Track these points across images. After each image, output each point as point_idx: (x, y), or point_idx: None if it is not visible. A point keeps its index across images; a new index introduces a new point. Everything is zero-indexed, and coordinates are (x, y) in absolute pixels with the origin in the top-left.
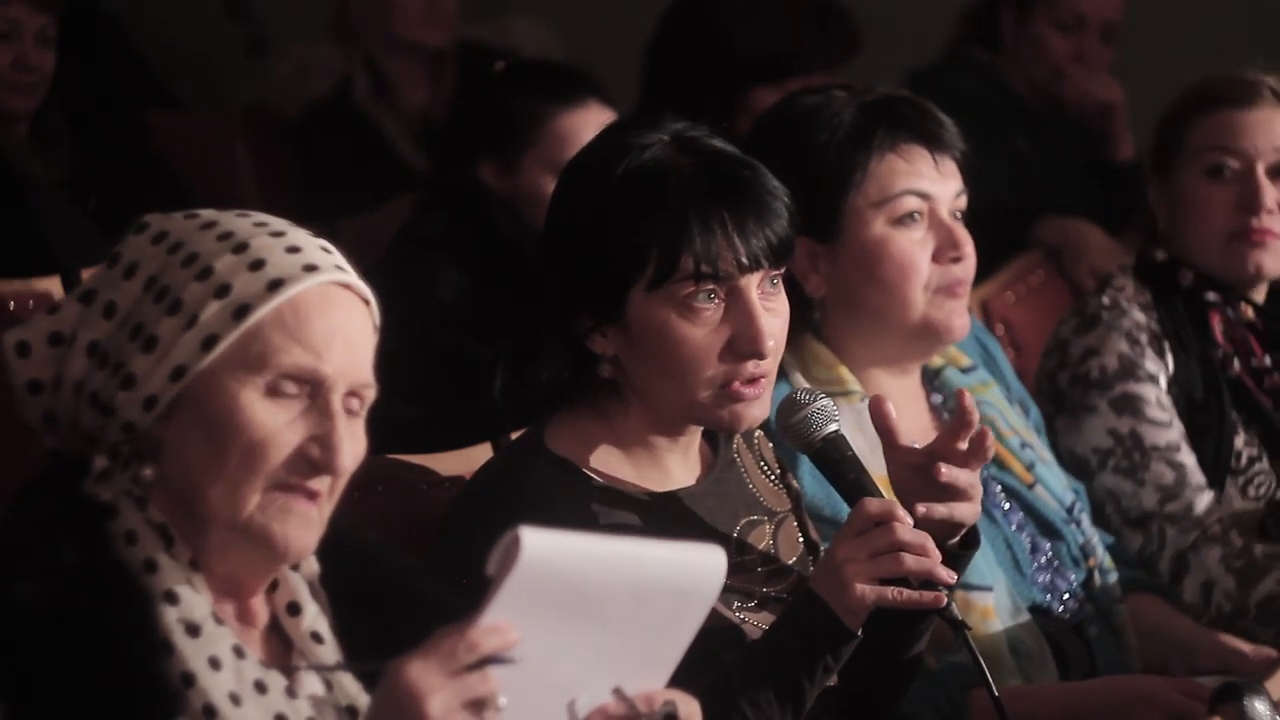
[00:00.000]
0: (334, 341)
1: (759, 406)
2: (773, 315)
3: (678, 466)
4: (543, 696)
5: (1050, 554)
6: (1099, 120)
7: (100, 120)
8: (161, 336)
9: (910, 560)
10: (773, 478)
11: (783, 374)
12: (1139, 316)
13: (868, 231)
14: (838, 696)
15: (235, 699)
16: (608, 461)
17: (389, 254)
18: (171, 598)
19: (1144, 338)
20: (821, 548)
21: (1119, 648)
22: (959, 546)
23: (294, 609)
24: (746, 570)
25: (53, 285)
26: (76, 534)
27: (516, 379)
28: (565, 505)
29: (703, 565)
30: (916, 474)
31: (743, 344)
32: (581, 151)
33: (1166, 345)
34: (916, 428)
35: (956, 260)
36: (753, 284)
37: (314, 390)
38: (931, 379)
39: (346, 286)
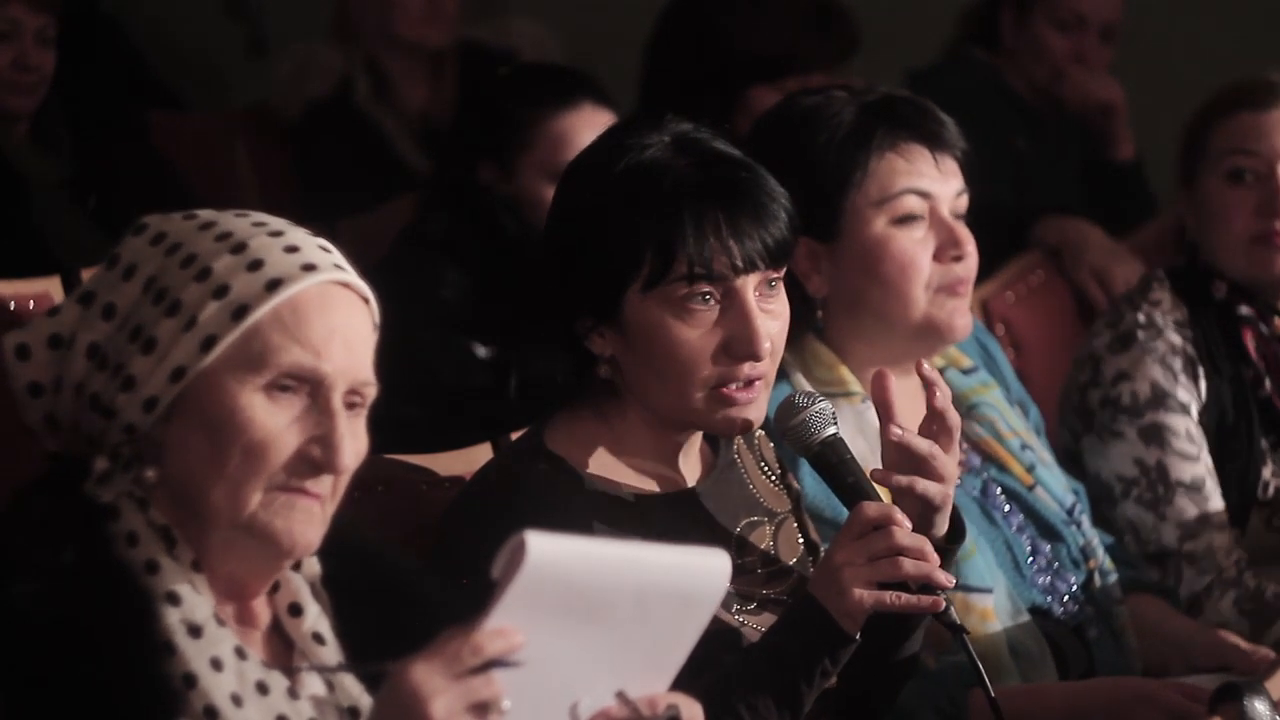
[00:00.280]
0: (333, 340)
1: (754, 410)
2: (770, 318)
3: (678, 468)
4: (546, 699)
5: (1050, 556)
6: (1099, 120)
7: (100, 120)
8: (161, 338)
9: (909, 565)
10: (773, 478)
11: (784, 374)
12: (1174, 338)
13: (869, 231)
14: (835, 697)
15: (237, 700)
16: (607, 463)
17: (390, 254)
18: (173, 599)
19: (1178, 363)
20: (822, 548)
21: (1119, 649)
22: (944, 541)
23: (295, 610)
24: (746, 572)
25: (53, 285)
26: (77, 535)
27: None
28: (564, 506)
29: (706, 569)
30: (901, 453)
31: (738, 346)
32: (583, 152)
33: (1201, 370)
34: (916, 424)
35: (958, 259)
36: (749, 286)
37: (314, 389)
38: None
39: (345, 285)
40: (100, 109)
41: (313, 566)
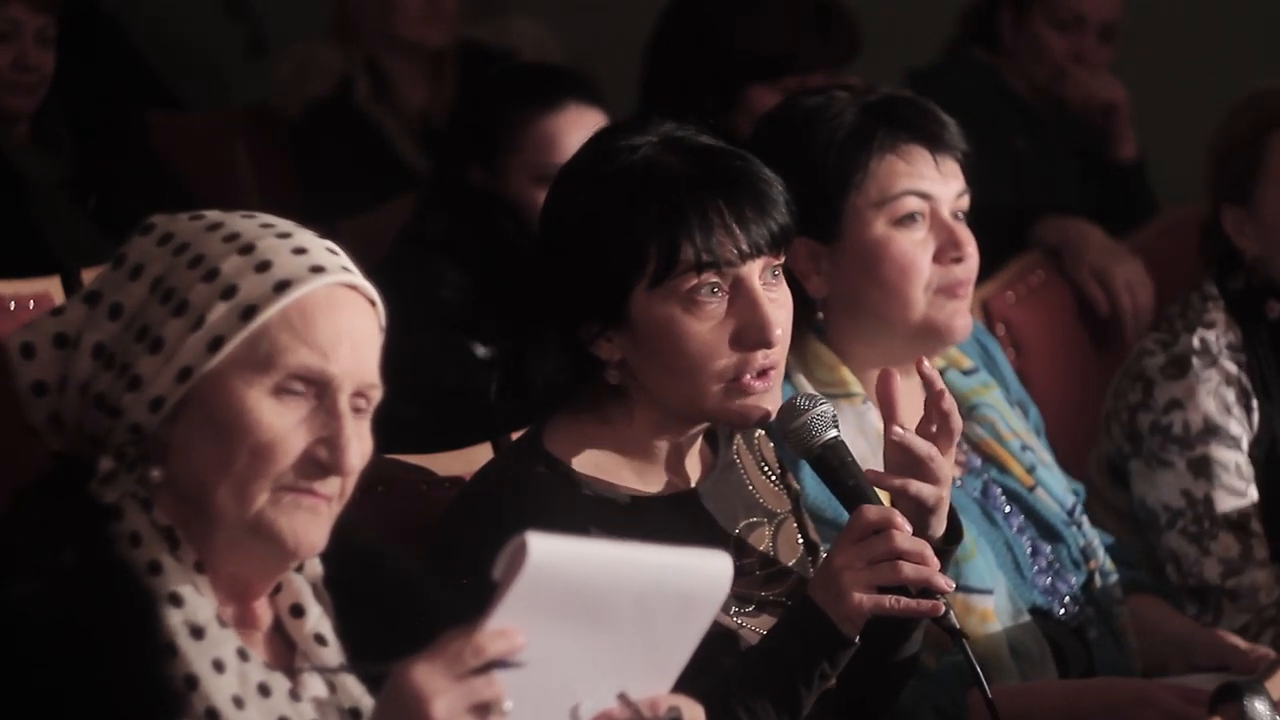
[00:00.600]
0: (341, 342)
1: (770, 399)
2: (777, 306)
3: (678, 469)
4: (547, 700)
5: (1051, 556)
6: (1101, 120)
7: (100, 120)
8: (168, 338)
9: (908, 568)
10: (773, 478)
11: (785, 375)
12: (1229, 366)
13: (869, 232)
14: (834, 699)
15: (239, 702)
16: (607, 464)
17: (390, 254)
18: (176, 600)
19: (1232, 395)
20: (822, 549)
21: (1119, 650)
22: (942, 543)
23: (297, 611)
24: (745, 574)
25: (53, 285)
26: (80, 536)
27: (512, 381)
28: (563, 508)
29: (708, 570)
30: (901, 453)
31: (750, 334)
32: (571, 159)
33: (1254, 401)
34: (916, 425)
35: (958, 260)
36: (754, 273)
37: (321, 391)
38: None
39: (353, 287)
40: (100, 109)
41: (315, 567)
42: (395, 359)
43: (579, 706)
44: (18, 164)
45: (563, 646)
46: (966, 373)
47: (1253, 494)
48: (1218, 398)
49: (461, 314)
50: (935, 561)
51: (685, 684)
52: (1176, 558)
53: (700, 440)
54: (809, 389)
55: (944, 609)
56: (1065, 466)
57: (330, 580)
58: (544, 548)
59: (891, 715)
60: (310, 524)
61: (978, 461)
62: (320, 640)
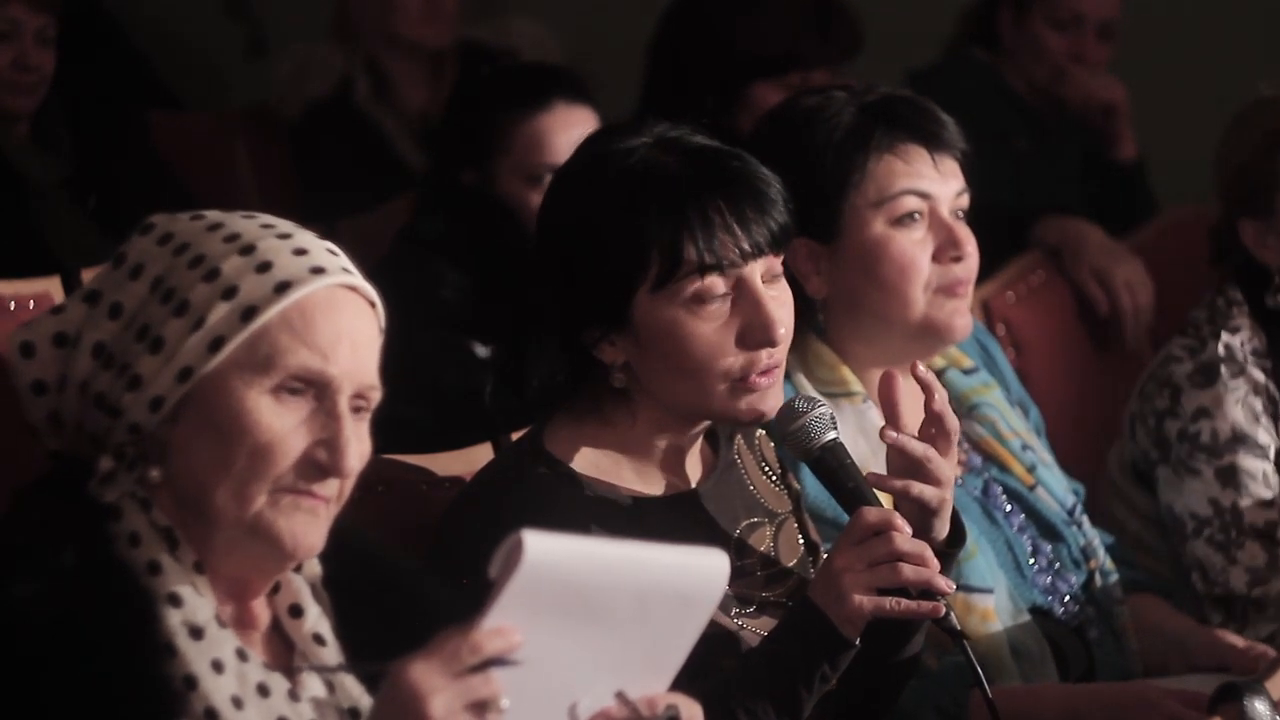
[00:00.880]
0: (341, 343)
1: (773, 396)
2: (779, 304)
3: (679, 470)
4: (545, 699)
5: (1051, 556)
6: (1101, 120)
7: (100, 120)
8: (168, 338)
9: (908, 570)
10: (774, 478)
11: (786, 375)
12: (1257, 375)
13: (867, 232)
14: (835, 700)
15: (237, 702)
16: (607, 465)
17: (390, 254)
18: (175, 600)
19: (1259, 404)
20: (822, 549)
21: (1119, 650)
22: (944, 545)
23: (296, 611)
24: (746, 574)
25: (53, 285)
26: (79, 536)
27: (510, 383)
28: (562, 508)
29: (706, 569)
30: (900, 455)
31: (755, 333)
32: (567, 162)
33: None
34: (918, 427)
35: (957, 260)
36: (757, 273)
37: (320, 392)
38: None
39: (353, 289)
40: (100, 109)
41: (313, 567)
42: (395, 359)
43: (576, 705)
44: (18, 164)
45: (560, 645)
46: (967, 372)
47: None
48: (1246, 407)
49: (461, 314)
50: (935, 563)
51: (684, 685)
52: (1203, 566)
53: (701, 441)
54: (809, 389)
55: (944, 610)
56: (1065, 466)
57: (329, 580)
58: (540, 545)
59: (893, 716)
60: (309, 525)
61: (978, 460)
62: (319, 640)
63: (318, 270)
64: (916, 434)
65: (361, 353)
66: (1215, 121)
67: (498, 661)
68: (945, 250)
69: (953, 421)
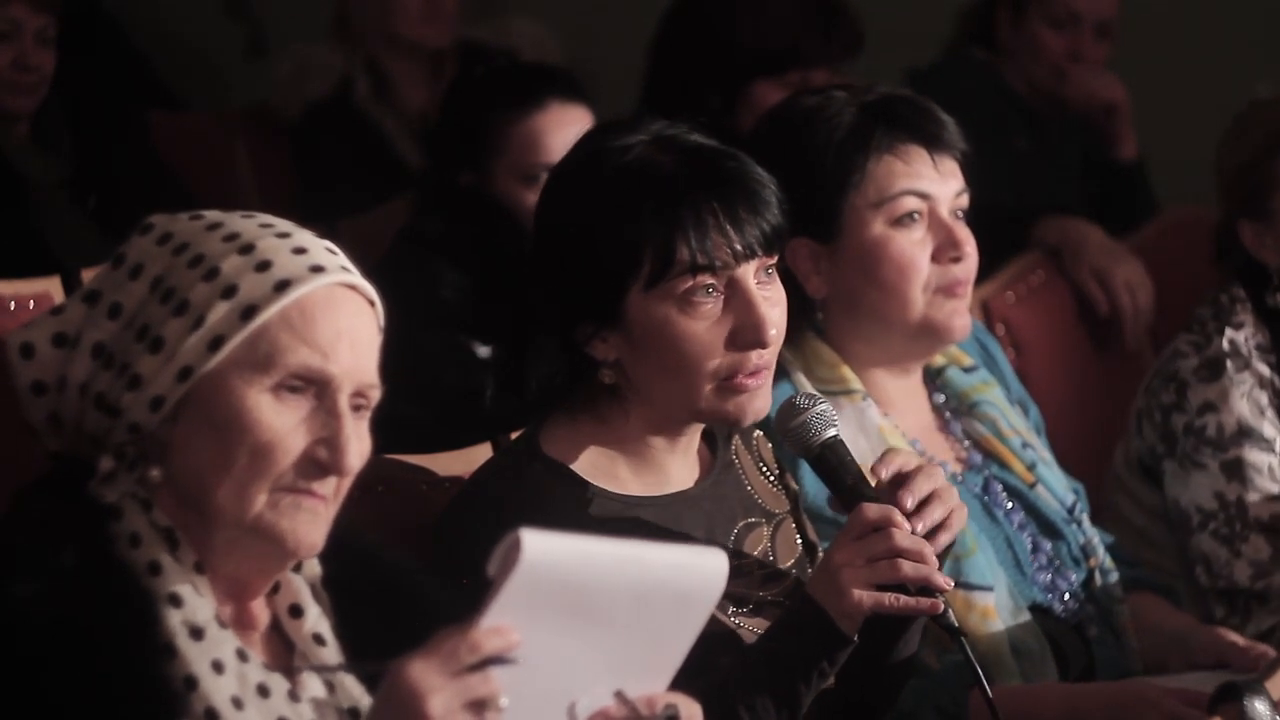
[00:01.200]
0: (340, 342)
1: (761, 398)
2: (771, 305)
3: (676, 469)
4: (544, 698)
5: (1051, 554)
6: (1102, 120)
7: (100, 120)
8: (168, 337)
9: (908, 567)
10: (771, 479)
11: (786, 374)
12: (1262, 369)
13: (867, 232)
14: (834, 698)
15: (237, 703)
16: (604, 465)
17: (390, 254)
18: (175, 600)
19: (1265, 398)
20: (820, 549)
21: (1119, 648)
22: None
23: (296, 611)
24: (743, 574)
25: (53, 285)
26: (79, 536)
27: (510, 382)
28: (560, 508)
29: (704, 568)
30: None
31: (746, 334)
32: (563, 160)
33: None
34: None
35: (957, 260)
36: (749, 273)
37: (320, 391)
38: (934, 378)
39: (352, 288)
40: (100, 109)
41: (313, 567)
42: (395, 359)
43: (575, 704)
44: (18, 164)
45: (559, 643)
46: (966, 370)
47: None
48: (1251, 401)
49: (461, 314)
50: (934, 560)
51: (684, 683)
52: (1207, 559)
53: (699, 441)
54: (809, 387)
55: (943, 607)
56: (1065, 466)
57: (329, 580)
58: (538, 544)
59: (893, 715)
60: (309, 524)
61: (978, 458)
62: (319, 640)
63: (317, 269)
64: (915, 435)
65: (361, 351)
66: (1215, 121)
67: (496, 660)
68: (945, 250)
69: (906, 458)
